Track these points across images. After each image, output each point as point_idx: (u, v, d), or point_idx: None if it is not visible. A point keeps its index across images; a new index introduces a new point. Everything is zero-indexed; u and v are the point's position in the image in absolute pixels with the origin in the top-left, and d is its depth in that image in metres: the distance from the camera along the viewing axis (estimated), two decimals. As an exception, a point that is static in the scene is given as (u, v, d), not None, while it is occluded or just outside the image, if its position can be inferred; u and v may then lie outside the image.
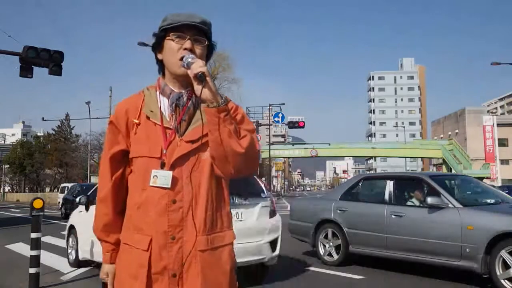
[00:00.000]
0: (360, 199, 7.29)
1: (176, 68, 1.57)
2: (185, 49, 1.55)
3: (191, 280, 1.52)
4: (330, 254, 7.13)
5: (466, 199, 6.53)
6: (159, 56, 1.64)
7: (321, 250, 7.26)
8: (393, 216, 6.31)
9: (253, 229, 5.46)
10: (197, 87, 1.48)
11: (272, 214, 5.79)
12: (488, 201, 6.44)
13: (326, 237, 7.24)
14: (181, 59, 1.54)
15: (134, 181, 1.63)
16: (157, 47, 1.63)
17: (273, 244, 5.64)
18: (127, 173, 1.67)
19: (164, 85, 1.63)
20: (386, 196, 6.66)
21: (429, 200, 5.83)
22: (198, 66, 1.47)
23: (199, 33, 1.58)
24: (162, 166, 1.55)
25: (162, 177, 1.55)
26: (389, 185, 6.71)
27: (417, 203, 6.39)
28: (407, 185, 6.86)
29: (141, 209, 1.57)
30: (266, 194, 5.89)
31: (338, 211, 7.11)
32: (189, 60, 1.51)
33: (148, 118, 1.61)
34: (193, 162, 1.57)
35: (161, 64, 1.65)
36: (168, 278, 1.52)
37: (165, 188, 1.55)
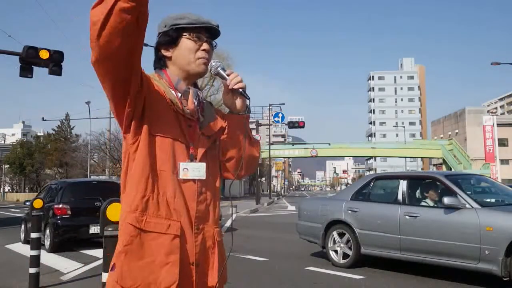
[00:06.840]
0: (372, 199, 7.06)
1: (193, 66, 1.59)
2: (204, 50, 1.58)
3: (210, 271, 1.56)
4: (340, 256, 6.92)
5: (483, 199, 6.33)
6: (167, 53, 1.61)
7: (331, 252, 7.06)
8: (407, 217, 6.10)
9: None
10: (238, 100, 1.63)
11: None
12: (507, 201, 6.24)
13: (336, 238, 7.03)
14: (199, 58, 1.58)
15: (160, 163, 1.50)
16: (169, 43, 1.60)
17: None
18: (143, 144, 1.49)
19: (178, 80, 1.61)
20: (400, 196, 6.44)
21: (446, 200, 5.62)
22: (237, 80, 1.59)
23: (211, 36, 1.62)
24: (192, 158, 1.55)
25: (194, 170, 1.54)
26: (402, 185, 6.49)
27: (432, 204, 6.18)
28: (421, 185, 6.64)
29: (173, 196, 1.50)
30: None
31: (349, 211, 6.90)
32: (219, 70, 1.60)
33: (172, 103, 1.56)
34: (212, 156, 1.63)
35: (164, 60, 1.62)
36: (192, 266, 1.51)
37: (195, 180, 1.54)
